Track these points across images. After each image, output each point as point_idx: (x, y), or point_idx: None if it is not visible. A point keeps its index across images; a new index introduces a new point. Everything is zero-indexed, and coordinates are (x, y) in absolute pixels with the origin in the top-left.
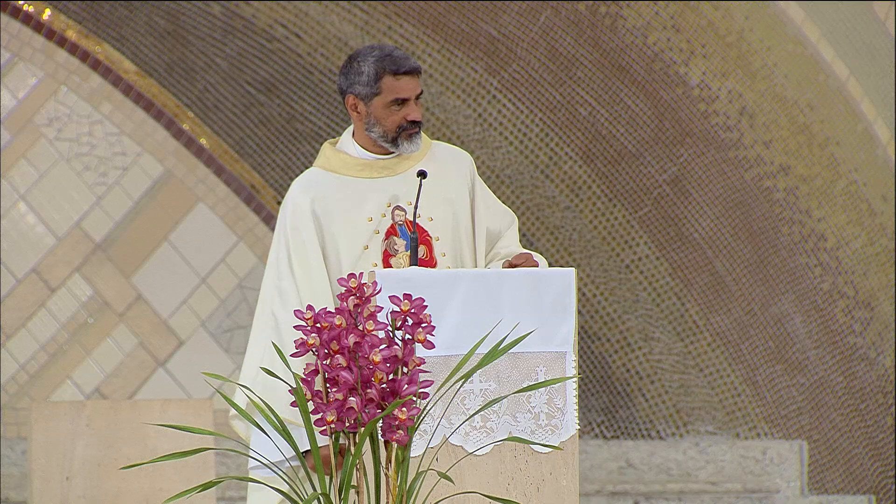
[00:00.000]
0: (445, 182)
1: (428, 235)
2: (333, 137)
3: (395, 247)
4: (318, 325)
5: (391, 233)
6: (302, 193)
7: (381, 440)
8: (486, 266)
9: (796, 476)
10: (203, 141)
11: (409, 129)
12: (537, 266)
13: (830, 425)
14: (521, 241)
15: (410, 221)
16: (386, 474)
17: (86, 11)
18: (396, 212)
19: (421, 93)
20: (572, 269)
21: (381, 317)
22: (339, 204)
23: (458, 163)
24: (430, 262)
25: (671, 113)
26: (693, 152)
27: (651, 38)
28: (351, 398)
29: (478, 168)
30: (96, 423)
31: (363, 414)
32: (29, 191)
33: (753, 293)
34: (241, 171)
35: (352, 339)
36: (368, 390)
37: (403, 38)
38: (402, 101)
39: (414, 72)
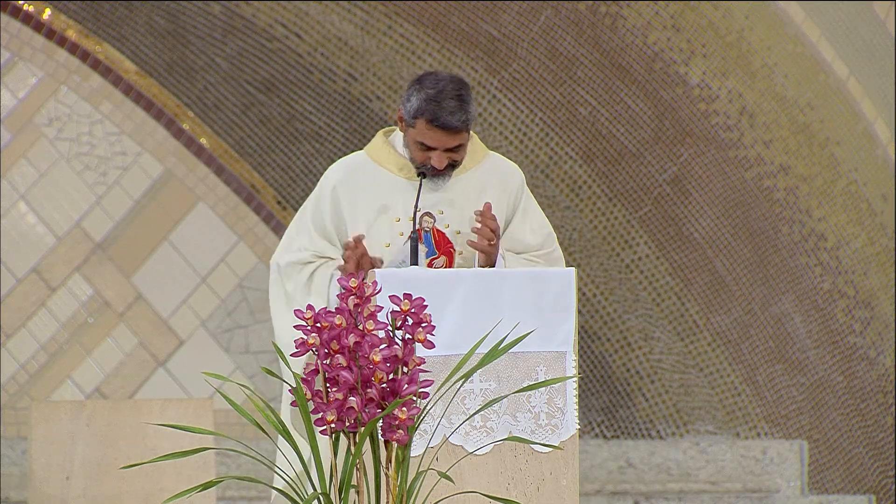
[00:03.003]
0: (485, 197)
1: (452, 248)
2: (332, 137)
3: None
4: (318, 324)
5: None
6: (333, 174)
7: (381, 440)
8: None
9: (796, 476)
10: (203, 141)
11: (431, 170)
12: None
13: (830, 425)
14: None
15: (438, 230)
16: (386, 474)
17: (86, 11)
18: (425, 218)
19: (459, 145)
20: (572, 269)
21: (381, 316)
22: (368, 195)
23: (506, 179)
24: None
25: (671, 113)
26: (693, 152)
27: (651, 38)
28: (351, 398)
29: None
30: (96, 422)
31: (363, 414)
32: (29, 190)
33: (753, 293)
34: (241, 171)
35: (352, 339)
36: (368, 390)
37: (403, 38)
38: (430, 147)
39: (450, 128)
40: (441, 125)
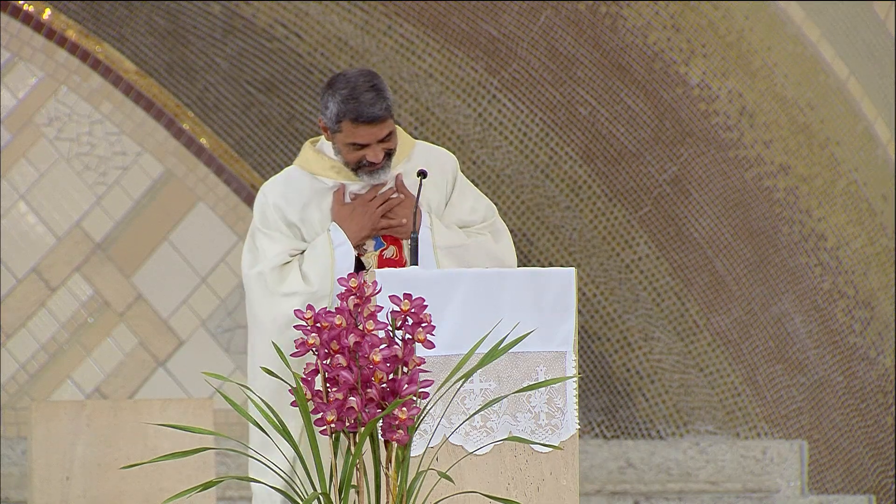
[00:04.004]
0: (424, 184)
1: (401, 239)
2: None
3: (364, 246)
4: (318, 324)
5: None
6: (270, 191)
7: (381, 440)
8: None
9: (796, 476)
10: (203, 141)
11: (368, 167)
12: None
13: (830, 425)
14: (520, 240)
15: None
16: (386, 474)
17: (86, 11)
18: None
19: (389, 133)
20: (572, 269)
21: (381, 316)
22: (318, 207)
23: (441, 165)
24: (399, 262)
25: (671, 113)
26: (693, 152)
27: (651, 38)
28: (351, 398)
29: (478, 168)
30: (96, 422)
31: (363, 414)
32: (29, 191)
33: (753, 293)
34: (241, 171)
35: (352, 339)
36: (368, 390)
37: (403, 38)
38: (362, 145)
39: (376, 120)
40: (366, 120)
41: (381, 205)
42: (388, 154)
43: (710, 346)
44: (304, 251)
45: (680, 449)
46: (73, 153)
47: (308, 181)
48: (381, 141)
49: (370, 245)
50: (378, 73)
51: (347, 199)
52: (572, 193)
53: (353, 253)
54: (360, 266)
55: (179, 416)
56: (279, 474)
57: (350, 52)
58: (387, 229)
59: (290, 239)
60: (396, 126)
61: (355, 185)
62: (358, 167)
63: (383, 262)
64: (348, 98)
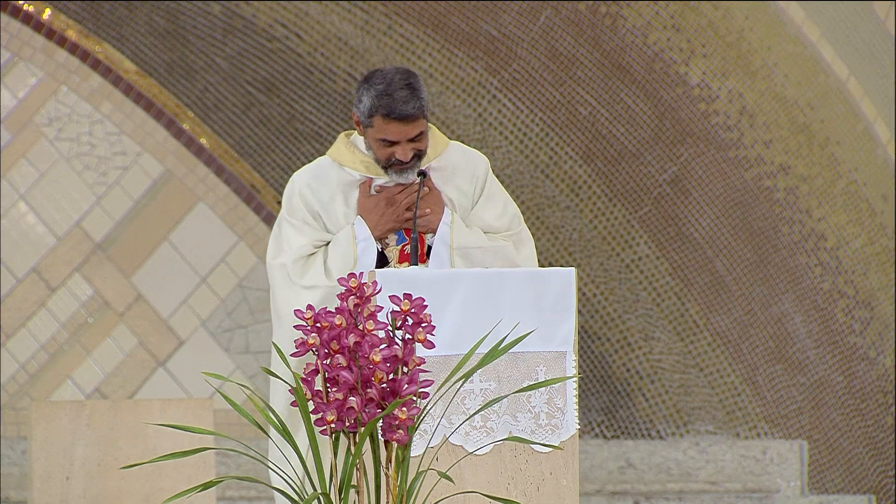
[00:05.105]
0: (451, 186)
1: (422, 234)
2: (332, 137)
3: (386, 240)
4: (318, 324)
5: None
6: (298, 180)
7: (381, 440)
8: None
9: (796, 476)
10: (203, 141)
11: (397, 165)
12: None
13: (830, 425)
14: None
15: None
16: (386, 474)
17: (86, 11)
18: None
19: (420, 133)
20: (572, 269)
21: (381, 316)
22: (342, 199)
23: (472, 167)
24: (420, 258)
25: (671, 113)
26: (693, 152)
27: (651, 38)
28: (351, 398)
29: None
30: (96, 423)
31: (363, 414)
32: (29, 191)
33: (753, 293)
34: (241, 171)
35: (352, 339)
36: (368, 390)
37: (403, 38)
38: (392, 142)
39: (407, 118)
40: (397, 117)
41: (406, 199)
42: (418, 154)
43: (710, 346)
44: (328, 243)
45: (680, 449)
46: (73, 153)
47: (336, 172)
48: (412, 140)
49: (392, 239)
50: (416, 73)
51: (373, 192)
52: (572, 193)
53: (376, 248)
54: (383, 260)
55: (179, 416)
56: (289, 478)
57: (350, 52)
58: (410, 221)
59: (315, 230)
60: (431, 126)
61: (382, 178)
62: (388, 164)
63: (405, 257)
64: (382, 94)
